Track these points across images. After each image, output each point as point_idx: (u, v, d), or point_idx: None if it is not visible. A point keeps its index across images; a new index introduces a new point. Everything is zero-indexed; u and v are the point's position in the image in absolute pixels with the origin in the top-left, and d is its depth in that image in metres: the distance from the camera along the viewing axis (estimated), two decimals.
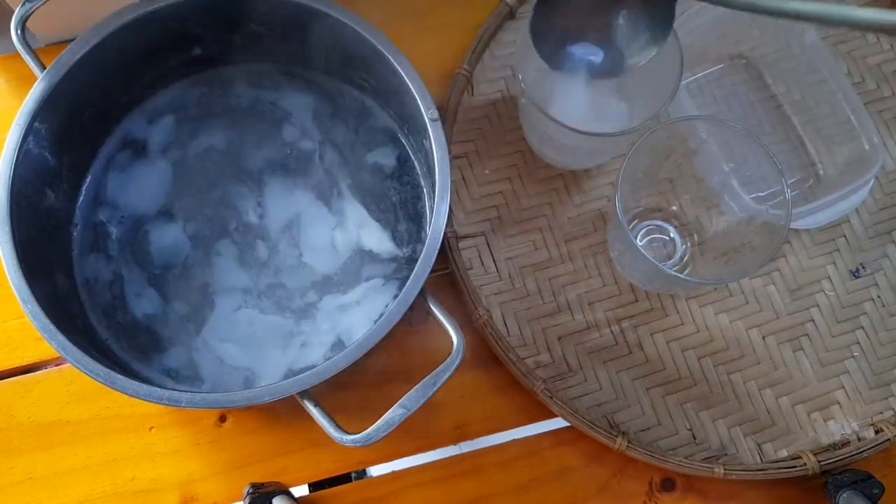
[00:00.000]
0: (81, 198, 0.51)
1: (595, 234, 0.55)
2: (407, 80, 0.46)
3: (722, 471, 0.50)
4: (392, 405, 0.40)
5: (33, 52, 0.46)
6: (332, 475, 0.51)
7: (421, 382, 0.40)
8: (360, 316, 0.50)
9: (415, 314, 0.53)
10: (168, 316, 0.50)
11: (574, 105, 0.53)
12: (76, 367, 0.40)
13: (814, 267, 0.56)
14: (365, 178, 0.53)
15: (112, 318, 0.50)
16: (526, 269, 0.55)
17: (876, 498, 0.49)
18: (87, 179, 0.51)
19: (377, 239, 0.51)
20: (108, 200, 0.52)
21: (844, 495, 0.49)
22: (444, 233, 0.43)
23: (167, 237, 0.51)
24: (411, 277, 0.42)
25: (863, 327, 0.55)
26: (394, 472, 0.52)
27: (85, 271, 0.50)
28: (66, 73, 0.45)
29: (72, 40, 0.45)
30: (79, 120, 0.49)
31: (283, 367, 0.49)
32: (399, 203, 0.53)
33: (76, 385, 0.52)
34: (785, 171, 0.46)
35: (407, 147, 0.53)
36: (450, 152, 0.46)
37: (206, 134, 0.53)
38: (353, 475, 0.54)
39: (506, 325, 0.53)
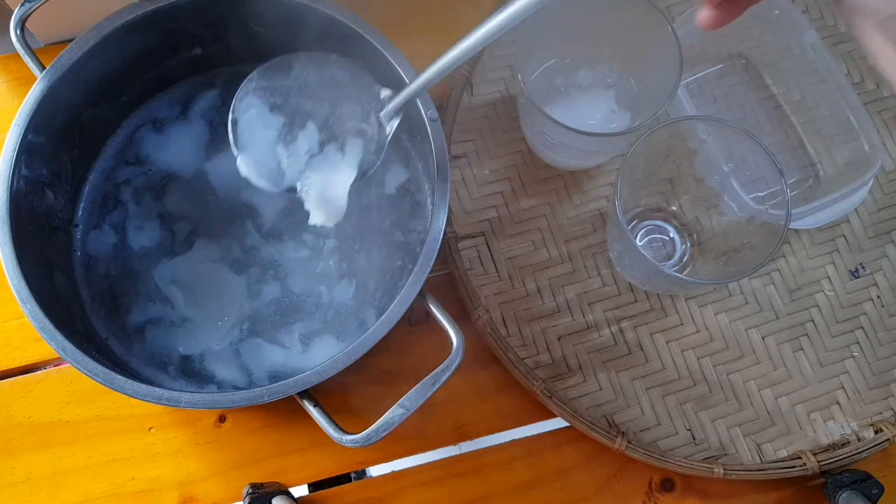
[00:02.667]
0: (91, 176, 0.52)
1: (594, 234, 0.55)
2: (406, 81, 0.46)
3: (721, 471, 0.50)
4: (392, 405, 0.40)
5: (32, 53, 0.46)
6: (332, 475, 0.52)
7: (420, 382, 0.40)
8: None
9: (414, 314, 0.53)
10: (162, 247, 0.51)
11: (574, 105, 0.53)
12: (75, 368, 0.40)
13: (813, 267, 0.56)
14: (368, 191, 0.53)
15: (103, 279, 0.50)
16: (525, 269, 0.55)
17: (875, 498, 0.49)
18: (89, 179, 0.51)
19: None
20: (131, 160, 0.52)
21: (844, 495, 0.49)
22: (444, 233, 0.43)
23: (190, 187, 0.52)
24: (411, 278, 0.42)
25: (862, 327, 0.55)
26: (393, 473, 0.52)
27: (88, 247, 0.51)
28: (66, 73, 0.45)
29: (71, 41, 0.45)
30: (78, 120, 0.49)
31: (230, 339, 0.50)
32: (399, 204, 0.53)
33: (76, 385, 0.52)
34: (784, 171, 0.46)
35: (407, 148, 0.53)
36: (449, 152, 0.46)
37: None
38: (352, 475, 0.54)
39: (505, 326, 0.53)
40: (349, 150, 0.44)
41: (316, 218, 0.45)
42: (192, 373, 0.49)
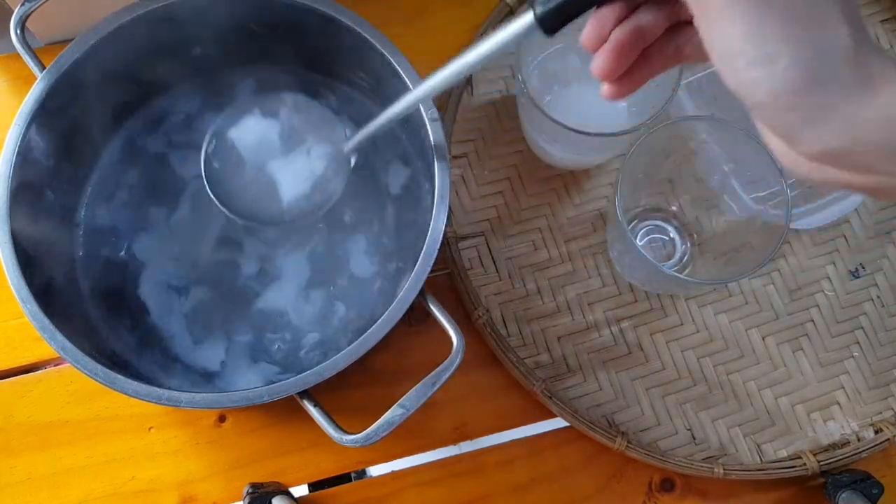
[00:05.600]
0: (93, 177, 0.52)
1: (595, 234, 0.55)
2: (406, 80, 0.46)
3: (721, 471, 0.50)
4: (392, 405, 0.40)
5: (33, 52, 0.46)
6: (332, 475, 0.52)
7: (420, 382, 0.40)
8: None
9: (414, 314, 0.53)
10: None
11: (574, 105, 0.53)
12: (75, 367, 0.40)
13: (813, 267, 0.56)
14: (368, 190, 0.53)
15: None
16: (525, 269, 0.55)
17: (875, 498, 0.49)
18: (90, 179, 0.51)
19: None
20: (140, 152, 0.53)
21: (844, 495, 0.49)
22: (444, 233, 0.43)
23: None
24: (411, 277, 0.42)
25: (862, 327, 0.55)
26: (393, 472, 0.52)
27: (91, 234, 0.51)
28: (66, 72, 0.45)
29: (71, 40, 0.45)
30: (79, 119, 0.49)
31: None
32: (399, 204, 0.53)
33: (76, 385, 0.52)
34: (784, 171, 0.46)
35: (407, 147, 0.53)
36: (449, 152, 0.46)
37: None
38: (352, 475, 0.54)
39: (505, 326, 0.53)
40: (325, 167, 0.46)
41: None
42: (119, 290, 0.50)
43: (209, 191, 0.45)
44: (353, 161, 0.46)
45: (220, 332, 0.50)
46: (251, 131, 0.46)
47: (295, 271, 0.52)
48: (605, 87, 0.32)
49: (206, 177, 0.45)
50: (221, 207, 0.45)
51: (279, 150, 0.46)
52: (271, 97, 0.47)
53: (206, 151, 0.46)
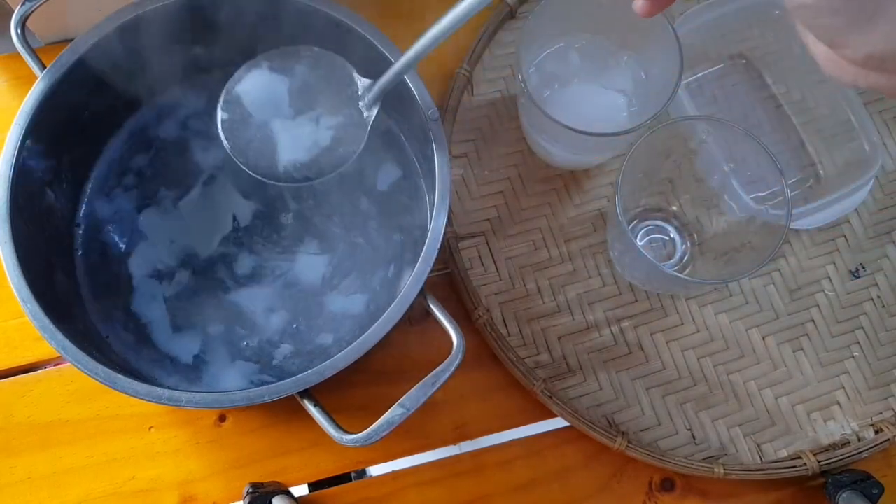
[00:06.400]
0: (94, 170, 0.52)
1: (595, 234, 0.55)
2: (406, 80, 0.46)
3: (721, 471, 0.50)
4: (392, 405, 0.40)
5: (33, 52, 0.46)
6: (332, 475, 0.52)
7: (421, 382, 0.40)
8: None
9: (415, 314, 0.53)
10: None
11: (574, 104, 0.53)
12: (76, 367, 0.40)
13: (813, 267, 0.56)
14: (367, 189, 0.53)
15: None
16: (526, 268, 0.55)
17: (875, 498, 0.49)
18: (90, 178, 0.52)
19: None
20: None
21: (844, 495, 0.49)
22: (444, 233, 0.43)
23: None
24: (411, 277, 0.42)
25: (863, 327, 0.55)
26: (393, 472, 0.52)
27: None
28: (66, 72, 0.45)
29: (71, 40, 0.45)
30: (79, 119, 0.49)
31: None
32: (399, 204, 0.53)
33: (76, 385, 0.52)
34: (785, 171, 0.46)
35: (406, 147, 0.53)
36: (450, 152, 0.46)
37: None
38: (352, 475, 0.54)
39: (505, 325, 0.53)
40: (332, 137, 0.45)
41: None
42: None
43: (236, 160, 0.44)
44: (372, 117, 0.45)
45: (199, 328, 0.50)
46: (264, 87, 0.45)
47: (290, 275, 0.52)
48: (640, 4, 0.34)
49: (225, 136, 0.44)
50: (242, 166, 0.44)
51: (289, 110, 0.45)
52: (288, 51, 0.45)
53: (221, 107, 0.45)
